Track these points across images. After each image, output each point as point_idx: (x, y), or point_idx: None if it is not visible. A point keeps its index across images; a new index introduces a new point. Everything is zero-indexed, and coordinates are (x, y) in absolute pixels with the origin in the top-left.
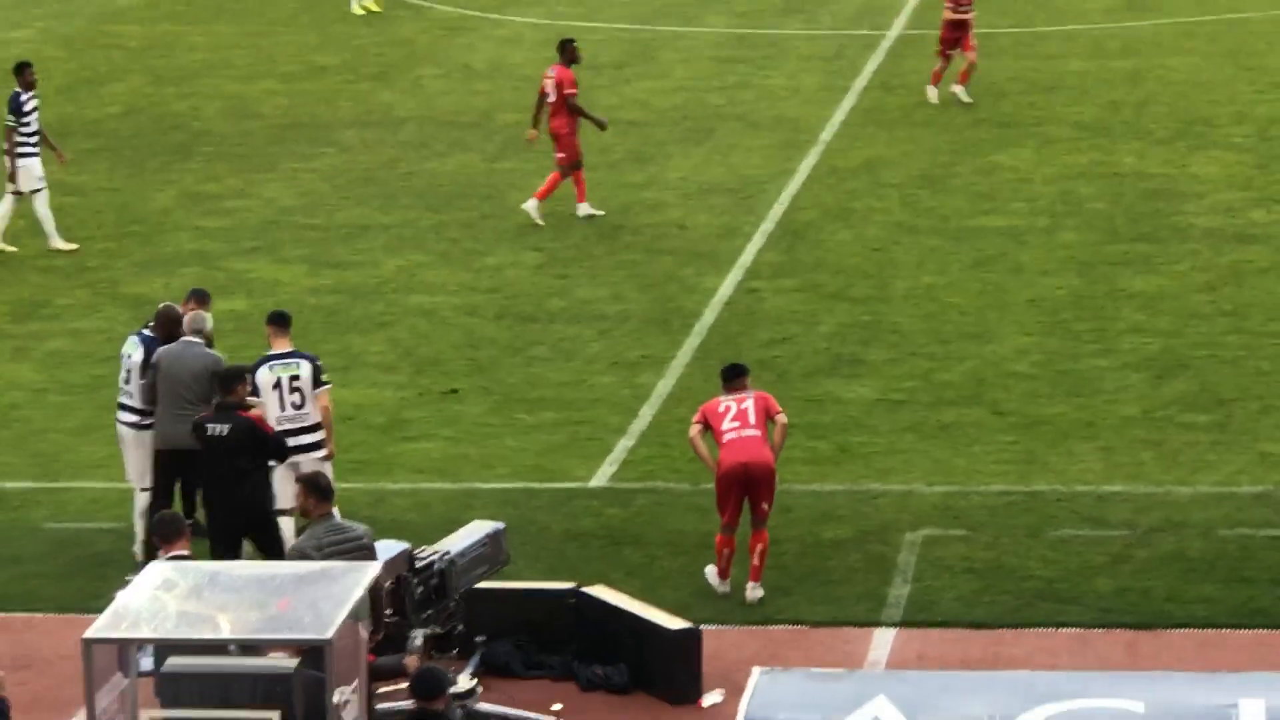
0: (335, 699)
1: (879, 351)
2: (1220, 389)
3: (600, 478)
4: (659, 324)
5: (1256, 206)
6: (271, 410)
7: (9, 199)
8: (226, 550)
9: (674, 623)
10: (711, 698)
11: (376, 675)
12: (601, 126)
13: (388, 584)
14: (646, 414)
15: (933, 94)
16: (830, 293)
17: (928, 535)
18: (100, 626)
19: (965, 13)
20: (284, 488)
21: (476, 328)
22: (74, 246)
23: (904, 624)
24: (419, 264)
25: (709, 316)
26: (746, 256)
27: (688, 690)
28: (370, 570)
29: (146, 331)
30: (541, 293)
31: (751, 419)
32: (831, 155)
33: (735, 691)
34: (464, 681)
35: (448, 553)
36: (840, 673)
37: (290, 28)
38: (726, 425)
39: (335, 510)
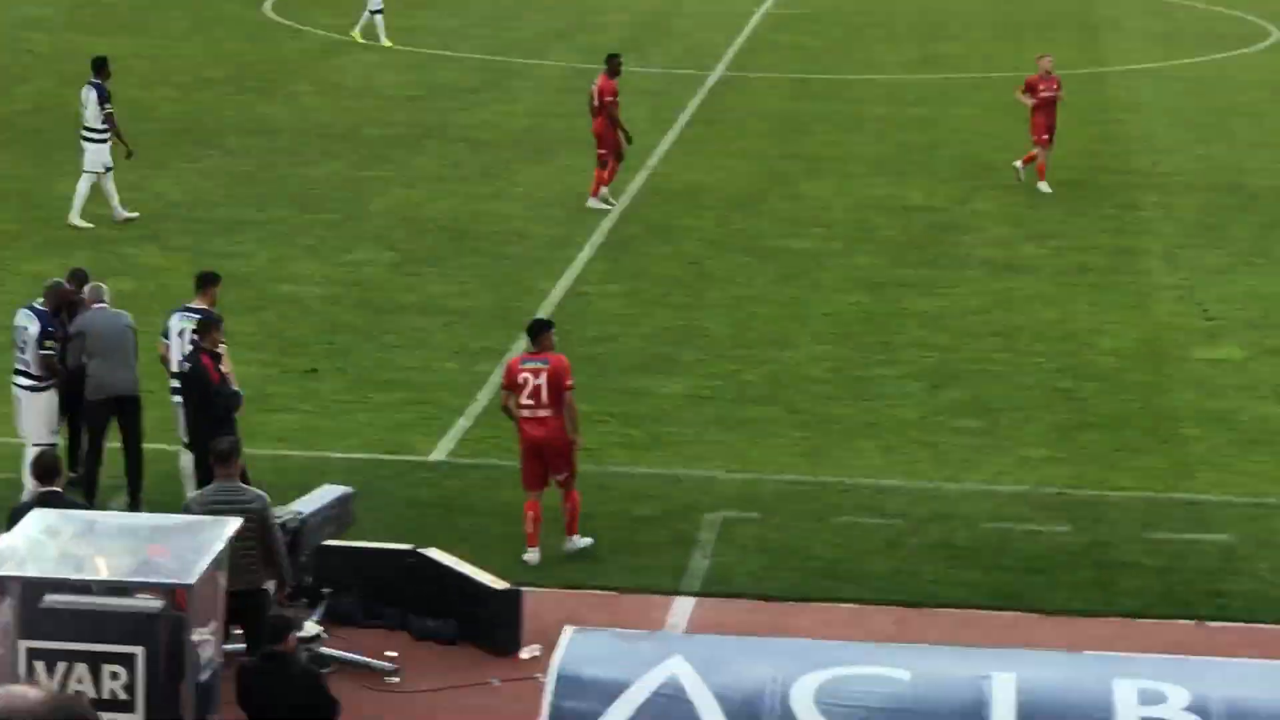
0: (194, 638)
1: (690, 353)
2: (988, 399)
3: (439, 453)
4: (499, 319)
5: (1027, 241)
6: (174, 354)
7: (107, 177)
8: (203, 472)
9: (498, 584)
10: (529, 651)
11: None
12: (628, 139)
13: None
14: (483, 399)
15: (1044, 187)
16: (650, 299)
17: (726, 516)
18: None
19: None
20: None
21: (337, 315)
22: (87, 225)
23: (702, 594)
24: (288, 257)
25: (542, 314)
26: (578, 264)
27: (508, 644)
28: (232, 524)
29: (38, 305)
30: (396, 287)
31: (544, 396)
32: (656, 179)
33: (550, 646)
34: (310, 628)
35: (301, 513)
36: (643, 633)
37: (184, 43)
38: (524, 401)
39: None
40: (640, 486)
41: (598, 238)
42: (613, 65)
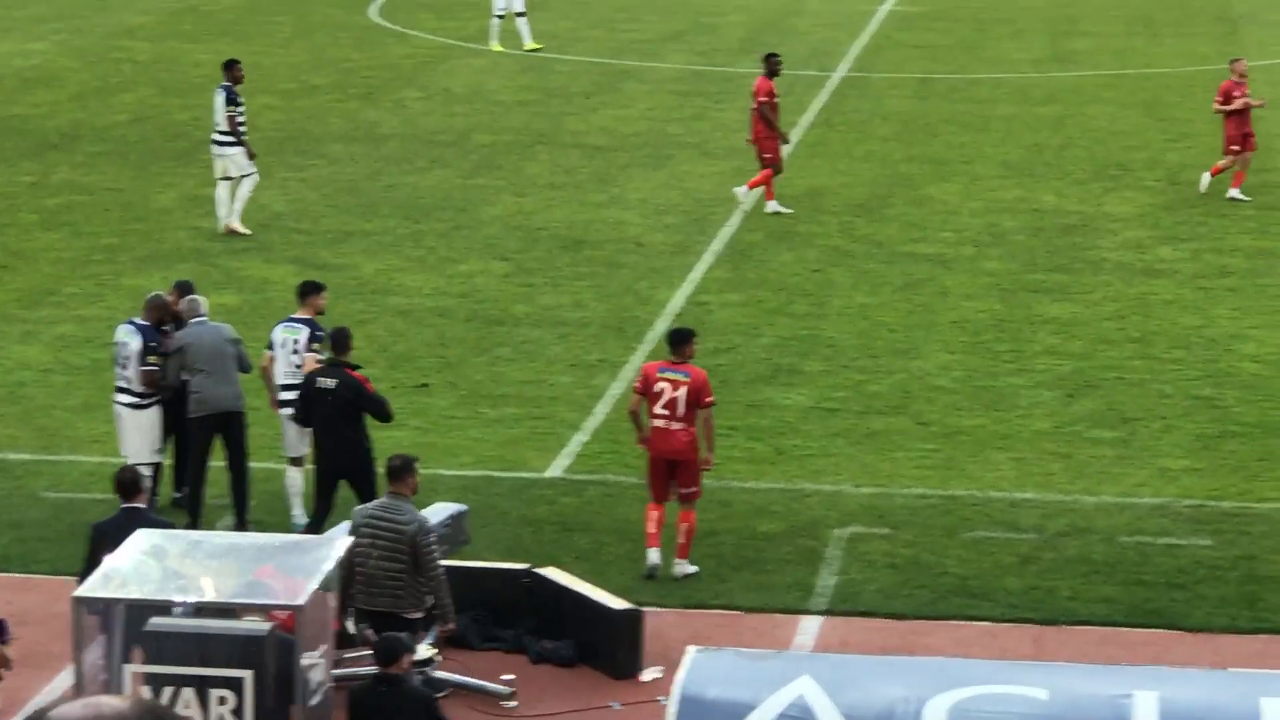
0: (304, 662)
1: (814, 363)
2: (1125, 409)
3: (555, 469)
4: (615, 331)
5: (1163, 244)
6: (279, 366)
7: (241, 183)
8: (323, 492)
9: (618, 603)
10: (650, 673)
11: (343, 643)
12: (783, 139)
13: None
14: (600, 412)
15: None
16: (772, 308)
17: (854, 532)
18: (89, 586)
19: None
20: (294, 437)
21: (447, 328)
22: (248, 231)
23: (829, 612)
24: (396, 268)
25: (660, 325)
26: (696, 272)
27: (629, 665)
28: (340, 544)
29: (138, 320)
30: (508, 299)
31: (680, 409)
32: (778, 183)
33: (672, 668)
34: (424, 650)
35: None
36: (769, 653)
37: (287, 49)
38: (658, 410)
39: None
40: (764, 501)
41: (717, 245)
42: (770, 65)
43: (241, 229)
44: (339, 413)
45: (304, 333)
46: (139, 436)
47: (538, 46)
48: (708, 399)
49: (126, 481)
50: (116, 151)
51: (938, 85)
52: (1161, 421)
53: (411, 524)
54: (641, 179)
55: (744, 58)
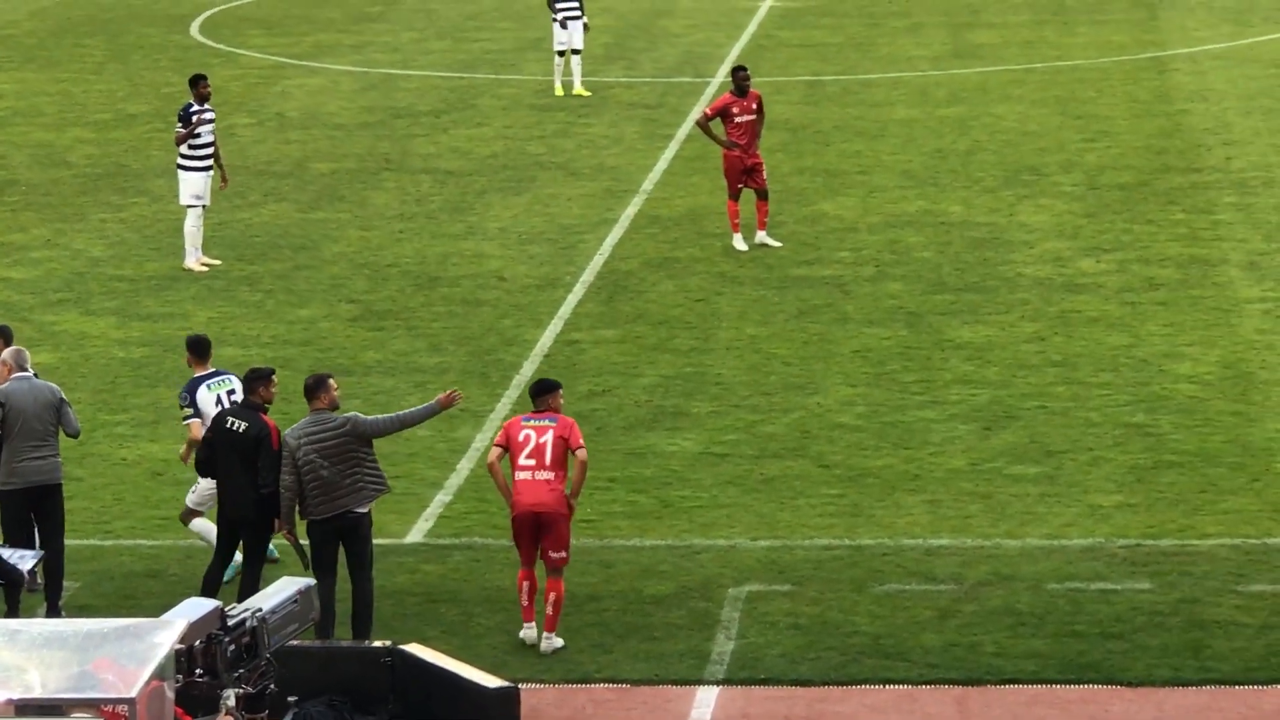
0: None
1: (701, 404)
2: (1049, 440)
3: (416, 534)
4: (477, 376)
5: (1085, 256)
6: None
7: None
8: (227, 544)
9: (492, 681)
10: None
11: None
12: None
13: (198, 642)
14: (464, 468)
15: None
16: (651, 344)
17: (752, 590)
18: None
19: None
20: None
21: (288, 381)
22: (214, 263)
23: (727, 682)
24: (231, 315)
25: (528, 369)
26: (566, 308)
27: None
28: (175, 629)
29: None
30: (356, 345)
31: (548, 458)
32: (653, 204)
33: None
34: None
35: (259, 610)
36: None
37: (100, 76)
38: (522, 461)
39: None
40: (650, 561)
41: (588, 276)
42: (736, 80)
43: (198, 265)
44: (244, 458)
45: (235, 382)
46: None
47: (586, 94)
48: (580, 442)
49: None
50: None
51: (828, 88)
52: (1090, 453)
53: (345, 423)
54: (501, 205)
55: (611, 65)
